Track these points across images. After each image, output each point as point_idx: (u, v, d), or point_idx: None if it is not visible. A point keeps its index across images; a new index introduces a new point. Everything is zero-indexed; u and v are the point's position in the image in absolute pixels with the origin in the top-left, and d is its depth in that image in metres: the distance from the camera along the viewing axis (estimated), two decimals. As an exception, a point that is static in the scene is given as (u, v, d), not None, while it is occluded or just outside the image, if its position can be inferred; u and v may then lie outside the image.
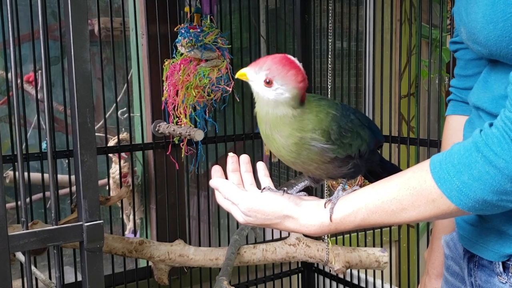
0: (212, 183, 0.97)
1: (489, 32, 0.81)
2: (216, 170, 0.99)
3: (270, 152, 2.46)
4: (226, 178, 0.99)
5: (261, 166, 1.02)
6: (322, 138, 0.88)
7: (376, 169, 1.01)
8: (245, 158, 1.01)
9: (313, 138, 0.88)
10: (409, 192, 0.81)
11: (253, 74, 0.90)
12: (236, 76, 0.92)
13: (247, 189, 0.97)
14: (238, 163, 1.01)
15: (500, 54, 0.83)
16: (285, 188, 0.94)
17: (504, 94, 0.85)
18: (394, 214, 0.83)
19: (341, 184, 0.93)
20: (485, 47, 0.84)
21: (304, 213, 0.90)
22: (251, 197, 0.92)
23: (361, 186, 0.89)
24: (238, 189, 0.94)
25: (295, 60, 0.89)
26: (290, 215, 0.90)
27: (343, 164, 0.92)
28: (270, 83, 0.88)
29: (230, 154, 1.01)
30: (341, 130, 0.89)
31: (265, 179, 1.00)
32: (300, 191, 0.98)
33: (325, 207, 0.89)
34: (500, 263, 0.89)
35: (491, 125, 0.77)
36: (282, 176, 2.78)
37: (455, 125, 1.12)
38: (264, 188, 0.94)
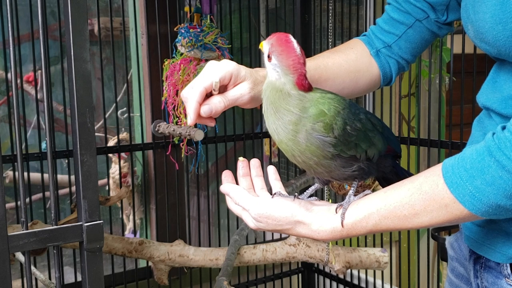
0: (223, 188, 0.96)
1: (498, 32, 0.81)
2: (226, 175, 0.98)
3: (270, 152, 2.45)
4: (237, 183, 0.98)
5: (271, 170, 1.01)
6: (324, 130, 0.86)
7: (389, 175, 0.99)
8: (255, 162, 1.00)
9: (314, 129, 0.86)
10: (421, 197, 0.80)
11: (264, 47, 0.91)
12: (259, 46, 0.93)
13: (258, 194, 0.96)
14: (249, 167, 1.00)
15: (509, 55, 0.82)
16: (296, 194, 0.93)
17: None
18: (406, 219, 0.81)
19: (352, 189, 0.92)
20: (494, 47, 0.84)
21: (315, 218, 0.88)
22: (262, 203, 0.91)
23: (373, 191, 0.88)
24: (249, 194, 0.93)
25: (294, 42, 0.89)
26: (301, 220, 0.89)
27: (346, 165, 0.90)
28: (269, 58, 0.89)
29: (240, 159, 1.00)
30: (346, 127, 0.87)
31: (276, 183, 0.99)
32: (311, 195, 0.97)
33: (336, 212, 0.88)
34: (508, 265, 0.88)
35: (503, 128, 0.76)
36: (282, 176, 2.78)
37: (354, 44, 1.13)
38: (275, 194, 0.93)
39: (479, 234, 0.93)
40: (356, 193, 0.91)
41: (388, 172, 0.98)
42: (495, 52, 0.85)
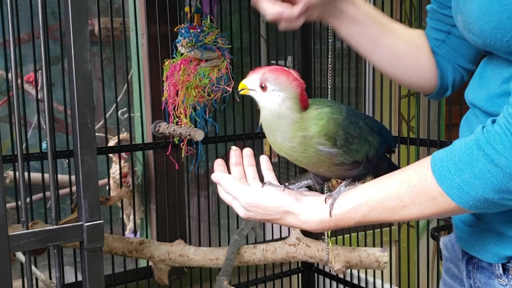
0: (214, 177, 0.97)
1: (484, 23, 0.81)
2: (218, 164, 0.99)
3: (270, 152, 2.46)
4: (229, 172, 0.99)
5: (264, 159, 1.02)
6: (328, 142, 0.88)
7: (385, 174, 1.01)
8: (248, 151, 1.01)
9: (319, 143, 0.88)
10: (409, 189, 0.80)
11: (250, 83, 0.91)
12: (239, 89, 0.93)
13: (249, 183, 0.96)
14: (241, 157, 1.00)
15: (494, 46, 0.82)
16: (286, 183, 0.94)
17: (500, 92, 0.84)
18: (394, 211, 0.82)
19: (345, 181, 0.93)
20: (480, 38, 0.84)
21: (304, 208, 0.89)
22: (252, 192, 0.91)
23: (362, 182, 0.90)
24: (240, 183, 0.93)
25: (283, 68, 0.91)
26: (290, 210, 0.89)
27: (353, 167, 0.93)
28: (265, 87, 0.89)
29: (233, 148, 1.01)
30: (347, 137, 0.89)
31: (268, 173, 0.99)
32: (301, 187, 0.97)
33: (325, 203, 0.88)
34: (500, 265, 0.87)
35: (493, 122, 0.76)
36: (282, 176, 2.78)
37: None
38: (265, 183, 0.94)
39: (470, 235, 0.93)
40: (349, 185, 0.93)
41: (386, 172, 1.00)
42: (482, 43, 0.85)
